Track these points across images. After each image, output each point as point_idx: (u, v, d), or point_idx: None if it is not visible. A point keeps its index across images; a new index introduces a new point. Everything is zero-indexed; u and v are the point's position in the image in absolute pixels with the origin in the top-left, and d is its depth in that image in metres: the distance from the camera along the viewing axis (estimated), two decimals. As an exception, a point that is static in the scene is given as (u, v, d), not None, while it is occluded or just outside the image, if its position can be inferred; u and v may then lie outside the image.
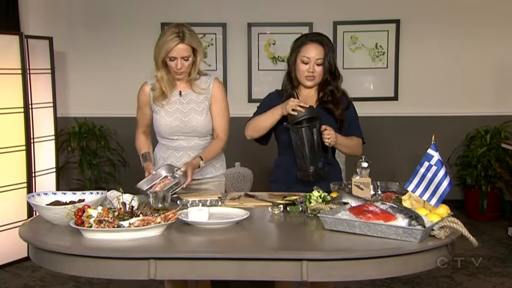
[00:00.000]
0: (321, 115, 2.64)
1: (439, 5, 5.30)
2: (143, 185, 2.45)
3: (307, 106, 2.51)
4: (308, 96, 2.71)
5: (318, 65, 2.62)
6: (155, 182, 2.47)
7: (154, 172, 2.51)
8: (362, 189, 2.29)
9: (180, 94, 2.70)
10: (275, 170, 2.79)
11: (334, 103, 2.67)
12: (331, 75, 2.66)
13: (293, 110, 2.50)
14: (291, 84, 2.72)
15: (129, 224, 1.91)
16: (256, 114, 2.76)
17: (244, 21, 5.35)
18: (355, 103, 2.78)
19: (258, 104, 2.80)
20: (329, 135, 2.53)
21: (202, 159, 2.59)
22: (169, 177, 2.49)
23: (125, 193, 2.14)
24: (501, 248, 4.33)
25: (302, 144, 2.51)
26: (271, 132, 2.73)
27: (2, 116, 3.85)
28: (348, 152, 2.73)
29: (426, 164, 2.00)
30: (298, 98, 2.62)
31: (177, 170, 2.50)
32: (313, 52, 2.61)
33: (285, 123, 2.57)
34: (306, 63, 2.63)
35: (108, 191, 2.27)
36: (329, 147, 2.61)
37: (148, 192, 2.27)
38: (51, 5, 5.39)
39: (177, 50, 2.54)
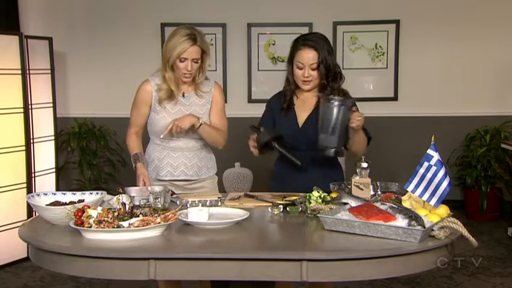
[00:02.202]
0: (314, 121, 2.62)
1: (439, 5, 5.30)
2: (132, 192, 2.41)
3: (260, 131, 2.53)
4: (307, 99, 2.70)
5: (312, 69, 2.60)
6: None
7: (150, 188, 2.42)
8: (362, 189, 2.29)
9: (183, 96, 2.70)
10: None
11: None
12: (328, 78, 2.63)
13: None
14: (290, 88, 2.71)
15: (129, 224, 1.91)
16: (260, 123, 2.72)
17: (244, 22, 5.35)
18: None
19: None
20: (359, 118, 2.47)
21: (199, 121, 2.60)
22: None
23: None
24: (501, 248, 4.33)
25: (329, 119, 2.45)
26: None
27: (2, 116, 3.85)
28: (359, 147, 2.64)
29: (426, 164, 2.00)
30: (259, 130, 2.59)
31: (172, 195, 2.44)
32: (306, 57, 2.58)
33: (318, 93, 2.57)
34: (301, 69, 2.61)
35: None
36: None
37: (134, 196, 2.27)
38: (51, 5, 5.39)
39: (189, 52, 2.56)
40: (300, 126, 2.67)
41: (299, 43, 2.63)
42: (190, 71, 2.60)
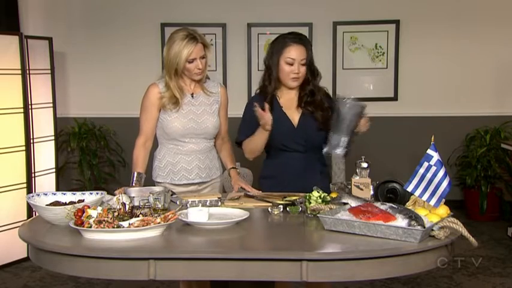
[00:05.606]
0: (307, 120, 2.63)
1: (439, 5, 5.30)
2: (132, 192, 2.40)
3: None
4: (289, 99, 2.70)
5: (302, 65, 2.62)
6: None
7: (150, 194, 2.37)
8: (362, 189, 2.29)
9: (192, 96, 2.72)
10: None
11: (314, 105, 2.64)
12: (311, 73, 2.67)
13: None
14: (272, 86, 2.68)
15: (129, 224, 1.91)
16: (243, 126, 2.71)
17: (244, 22, 5.35)
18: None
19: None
20: (367, 123, 2.55)
21: (236, 168, 2.82)
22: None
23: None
24: (501, 248, 4.33)
25: (345, 120, 2.48)
26: None
27: (2, 116, 3.85)
28: None
29: (426, 164, 2.00)
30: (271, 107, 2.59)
31: (172, 195, 2.44)
32: (298, 53, 2.60)
33: (338, 94, 2.59)
34: (291, 65, 2.62)
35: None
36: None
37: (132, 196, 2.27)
38: (51, 5, 5.39)
39: (196, 51, 2.60)
40: (296, 126, 2.66)
41: (288, 40, 2.64)
42: (201, 68, 2.64)
